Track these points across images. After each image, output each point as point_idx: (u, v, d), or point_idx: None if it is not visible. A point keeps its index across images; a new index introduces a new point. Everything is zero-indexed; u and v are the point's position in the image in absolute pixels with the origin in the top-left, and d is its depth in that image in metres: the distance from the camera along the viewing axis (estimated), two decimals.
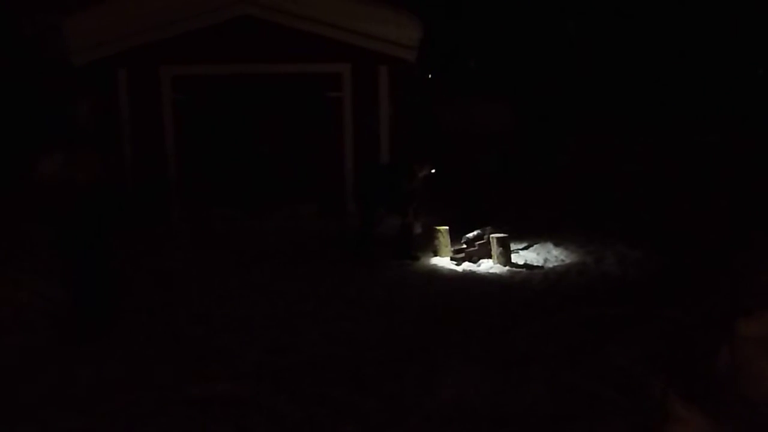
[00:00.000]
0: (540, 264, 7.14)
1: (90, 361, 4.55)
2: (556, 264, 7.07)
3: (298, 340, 4.95)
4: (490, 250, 7.22)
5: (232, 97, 8.97)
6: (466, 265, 7.15)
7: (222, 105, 8.97)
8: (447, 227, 7.54)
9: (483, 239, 7.35)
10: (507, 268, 7.01)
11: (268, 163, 9.05)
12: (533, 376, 4.18)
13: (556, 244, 7.71)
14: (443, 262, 7.30)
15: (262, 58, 8.84)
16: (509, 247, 7.21)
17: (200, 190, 8.89)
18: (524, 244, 7.74)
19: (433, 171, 7.43)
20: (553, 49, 12.73)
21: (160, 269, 6.85)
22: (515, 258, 7.25)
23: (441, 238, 7.50)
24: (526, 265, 7.10)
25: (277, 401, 3.97)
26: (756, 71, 10.68)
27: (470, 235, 7.44)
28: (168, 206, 8.81)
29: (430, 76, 12.72)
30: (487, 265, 7.12)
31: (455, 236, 7.53)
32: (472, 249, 7.32)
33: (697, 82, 11.34)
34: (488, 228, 7.39)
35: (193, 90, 8.91)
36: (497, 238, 7.17)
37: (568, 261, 7.15)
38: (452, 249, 7.42)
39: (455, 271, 7.02)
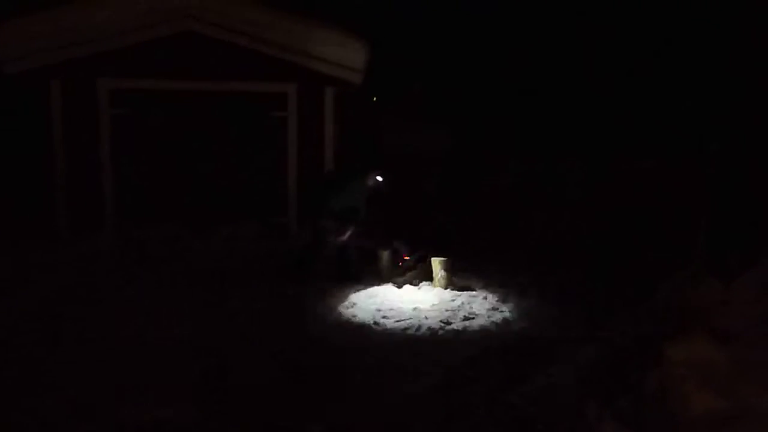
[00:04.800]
0: (480, 287, 7.24)
1: (28, 390, 4.36)
2: (496, 287, 7.18)
3: (240, 363, 4.86)
4: (432, 272, 7.28)
5: (174, 114, 8.82)
6: (407, 288, 7.17)
7: (163, 121, 8.81)
8: (388, 250, 7.56)
9: (424, 262, 7.40)
10: (448, 290, 7.08)
11: (210, 181, 8.92)
12: (473, 399, 4.23)
13: (497, 267, 7.83)
14: (384, 284, 7.31)
15: (205, 75, 8.76)
16: (451, 270, 7.28)
17: (140, 207, 8.67)
18: (465, 267, 7.84)
19: (379, 179, 7.35)
20: (497, 73, 13.10)
21: (90, 288, 6.65)
22: (456, 281, 7.32)
23: (383, 261, 7.51)
24: (466, 288, 7.17)
25: (217, 426, 3.89)
26: (685, 102, 11.34)
27: (411, 257, 7.48)
28: (102, 222, 8.57)
29: (375, 98, 12.86)
30: (428, 288, 7.17)
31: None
32: (413, 272, 7.36)
33: (632, 109, 11.92)
34: (429, 250, 7.45)
35: (133, 105, 8.73)
36: (439, 260, 7.23)
37: (508, 284, 7.27)
38: (394, 271, 7.44)
39: (396, 293, 7.03)
